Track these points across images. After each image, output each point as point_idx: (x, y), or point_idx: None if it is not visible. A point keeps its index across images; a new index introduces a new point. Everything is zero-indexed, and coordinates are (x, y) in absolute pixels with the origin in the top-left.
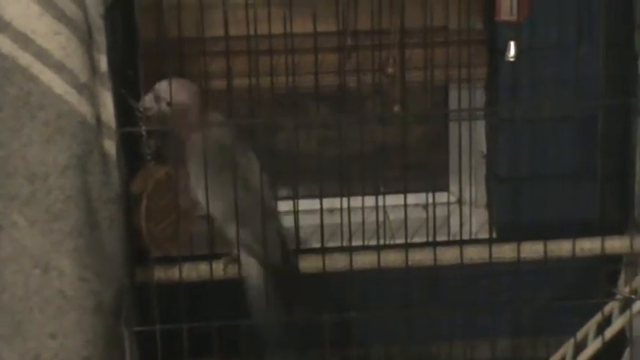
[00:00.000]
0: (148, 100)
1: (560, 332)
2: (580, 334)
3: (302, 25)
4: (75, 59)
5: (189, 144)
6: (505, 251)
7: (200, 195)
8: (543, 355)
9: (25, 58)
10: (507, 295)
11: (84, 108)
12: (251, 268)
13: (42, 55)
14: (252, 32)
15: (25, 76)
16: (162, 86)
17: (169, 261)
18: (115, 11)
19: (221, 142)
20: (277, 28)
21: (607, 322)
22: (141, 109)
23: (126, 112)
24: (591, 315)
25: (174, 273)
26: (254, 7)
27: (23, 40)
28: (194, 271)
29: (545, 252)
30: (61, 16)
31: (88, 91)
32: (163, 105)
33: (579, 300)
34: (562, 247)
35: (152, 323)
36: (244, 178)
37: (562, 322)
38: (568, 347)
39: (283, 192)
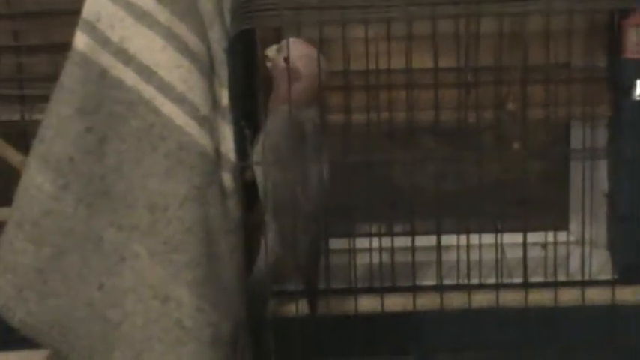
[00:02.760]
0: (270, 50)
1: None
2: None
3: (422, 60)
4: (196, 92)
5: (271, 117)
6: (627, 293)
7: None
8: None
9: (148, 91)
10: (630, 339)
11: (204, 140)
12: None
13: (164, 87)
14: (371, 67)
15: (148, 108)
16: (286, 43)
17: (286, 295)
18: (236, 45)
19: (300, 129)
20: (397, 63)
21: None
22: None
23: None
24: None
25: (290, 307)
26: (374, 42)
27: (147, 73)
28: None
29: None
30: (183, 50)
31: (208, 123)
32: (281, 60)
33: None
34: None
35: (268, 357)
36: (306, 178)
37: None
38: None
39: (400, 228)
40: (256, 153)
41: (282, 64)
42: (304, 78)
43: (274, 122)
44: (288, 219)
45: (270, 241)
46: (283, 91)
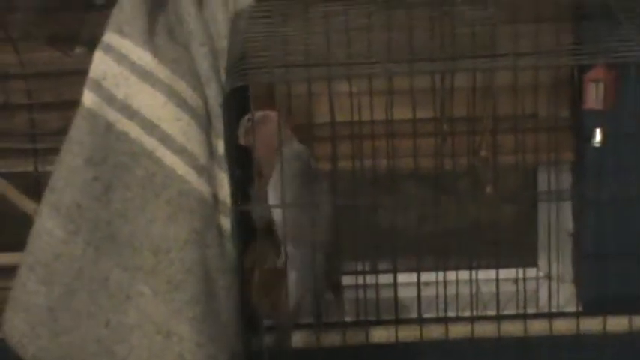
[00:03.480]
0: (240, 135)
1: None
2: None
3: (402, 112)
4: (195, 143)
5: (278, 159)
6: (591, 324)
7: (272, 201)
8: None
9: (150, 143)
10: None
11: (203, 187)
12: (291, 277)
13: (166, 139)
14: (355, 118)
15: (150, 158)
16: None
17: (278, 329)
18: (231, 100)
19: (303, 164)
20: (379, 115)
21: None
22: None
23: (240, 191)
24: None
25: (284, 340)
26: (358, 96)
27: (149, 127)
28: (302, 339)
29: (630, 325)
30: (183, 105)
31: (206, 172)
32: (245, 123)
33: None
34: None
35: None
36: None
37: None
38: None
39: (383, 266)
40: (272, 191)
41: (249, 125)
42: (273, 123)
43: (284, 161)
44: (308, 248)
45: (297, 275)
46: (267, 140)
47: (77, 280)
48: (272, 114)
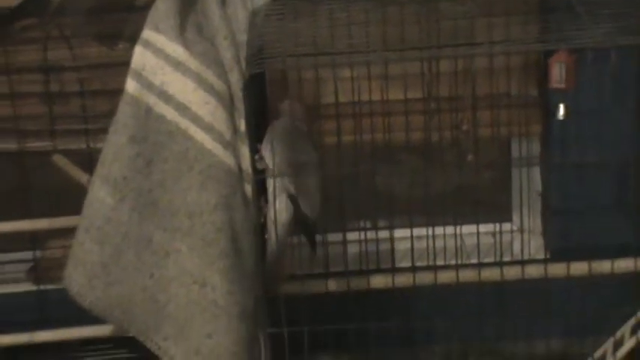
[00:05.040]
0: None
1: (603, 333)
2: (618, 334)
3: (395, 93)
4: (221, 122)
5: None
6: (557, 269)
7: (267, 149)
8: (589, 352)
9: (184, 123)
10: (559, 304)
11: (229, 160)
12: (282, 211)
13: (196, 119)
14: (356, 99)
15: (184, 136)
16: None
17: (293, 278)
18: (251, 85)
19: (296, 127)
20: (376, 96)
21: None
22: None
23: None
24: (627, 319)
25: (297, 287)
26: (358, 80)
27: (183, 109)
28: (313, 286)
29: (590, 269)
30: (210, 90)
31: (231, 146)
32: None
33: (617, 308)
34: (603, 266)
35: (280, 327)
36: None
37: (604, 325)
38: (609, 345)
39: (382, 223)
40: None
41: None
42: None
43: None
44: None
45: (283, 204)
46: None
47: (125, 240)
48: (297, 105)
